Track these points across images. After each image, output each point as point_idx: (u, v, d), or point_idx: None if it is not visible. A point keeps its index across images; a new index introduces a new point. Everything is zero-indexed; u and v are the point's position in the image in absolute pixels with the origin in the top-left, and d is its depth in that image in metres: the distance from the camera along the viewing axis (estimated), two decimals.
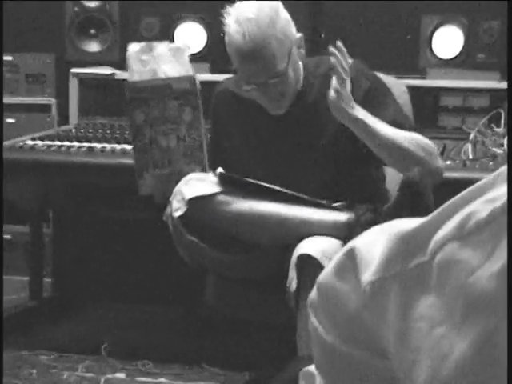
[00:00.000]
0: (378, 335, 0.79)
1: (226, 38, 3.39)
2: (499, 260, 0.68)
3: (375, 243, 0.84)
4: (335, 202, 3.18)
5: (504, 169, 0.76)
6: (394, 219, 0.89)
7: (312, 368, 0.96)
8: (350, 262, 0.85)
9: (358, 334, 0.82)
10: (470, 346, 0.70)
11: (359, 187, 3.27)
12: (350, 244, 0.89)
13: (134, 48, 3.37)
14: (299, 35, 3.38)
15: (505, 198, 0.71)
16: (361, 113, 3.14)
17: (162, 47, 3.41)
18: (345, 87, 3.10)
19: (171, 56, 3.36)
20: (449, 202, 0.78)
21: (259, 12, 3.26)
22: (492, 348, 0.68)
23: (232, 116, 3.46)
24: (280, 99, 3.33)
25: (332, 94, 3.09)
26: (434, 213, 0.78)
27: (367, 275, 0.80)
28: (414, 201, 2.96)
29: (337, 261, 0.90)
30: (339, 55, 3.12)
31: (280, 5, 3.36)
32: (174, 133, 3.28)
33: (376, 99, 3.34)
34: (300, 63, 3.41)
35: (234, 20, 3.30)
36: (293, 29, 3.36)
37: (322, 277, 0.92)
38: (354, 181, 3.25)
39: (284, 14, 3.34)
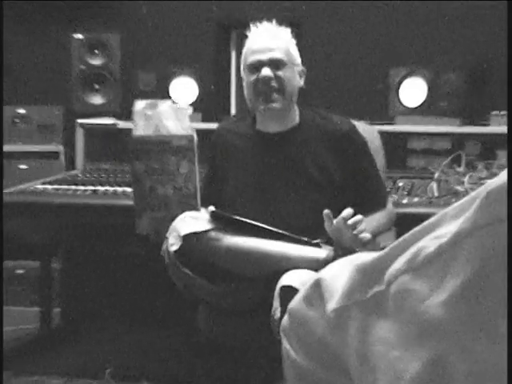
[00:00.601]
0: (342, 357, 0.78)
1: (247, 41, 3.41)
2: (446, 290, 0.67)
3: (339, 275, 0.84)
4: (316, 238, 3.16)
5: (449, 209, 0.75)
6: None
7: None
8: (317, 292, 0.85)
9: (324, 356, 0.81)
10: (422, 367, 0.68)
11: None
12: (317, 275, 0.90)
13: (139, 105, 3.36)
14: (303, 67, 3.41)
15: (450, 234, 0.70)
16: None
17: (165, 105, 3.40)
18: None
19: (173, 114, 3.35)
20: (401, 239, 0.78)
21: (281, 27, 3.39)
22: (443, 368, 0.67)
23: (227, 146, 3.46)
24: (273, 97, 3.28)
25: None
26: (389, 248, 0.78)
27: (331, 303, 0.80)
28: None
29: (305, 290, 0.92)
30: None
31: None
32: (171, 183, 3.27)
33: (362, 159, 3.40)
34: (295, 95, 3.39)
35: (254, 29, 3.40)
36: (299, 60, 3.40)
37: (293, 304, 0.92)
38: (339, 211, 3.23)
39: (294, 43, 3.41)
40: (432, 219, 0.75)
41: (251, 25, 3.42)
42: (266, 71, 3.26)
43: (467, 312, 0.65)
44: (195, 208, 3.28)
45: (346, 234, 3.01)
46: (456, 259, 0.67)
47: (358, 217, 3.01)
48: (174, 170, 3.28)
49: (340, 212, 3.12)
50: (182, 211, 3.22)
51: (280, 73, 3.28)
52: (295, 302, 0.91)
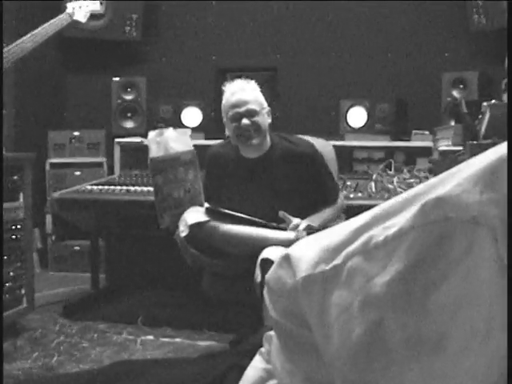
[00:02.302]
0: (306, 315, 0.73)
1: (223, 98, 3.33)
2: (389, 273, 0.64)
3: (305, 250, 0.80)
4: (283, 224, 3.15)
5: (392, 203, 0.71)
6: None
7: (272, 332, 0.89)
8: (287, 263, 0.79)
9: (293, 311, 0.76)
10: (365, 330, 0.66)
11: (304, 213, 3.21)
12: (287, 250, 0.86)
13: (151, 134, 3.34)
14: (269, 108, 3.35)
15: (395, 228, 0.66)
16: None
17: (169, 132, 3.36)
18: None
19: (176, 137, 3.32)
20: (357, 225, 0.73)
21: (247, 81, 3.32)
22: (381, 333, 0.64)
23: (218, 167, 3.39)
24: (252, 139, 3.23)
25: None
26: (348, 231, 0.73)
27: (300, 272, 0.76)
28: None
29: (278, 263, 0.86)
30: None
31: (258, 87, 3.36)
32: (182, 188, 3.24)
33: (322, 172, 3.36)
34: (267, 130, 3.33)
35: (229, 85, 3.32)
36: (266, 103, 3.34)
37: (269, 274, 0.87)
38: (300, 208, 3.19)
39: (260, 92, 3.34)
40: (380, 210, 0.71)
41: (226, 82, 3.38)
42: (245, 121, 3.21)
43: (403, 292, 0.63)
44: (201, 203, 3.26)
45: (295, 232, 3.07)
46: (398, 250, 0.65)
47: (295, 220, 3.08)
48: (184, 177, 3.24)
49: (301, 211, 3.14)
50: (192, 207, 3.21)
51: (255, 119, 3.22)
52: (271, 272, 0.87)
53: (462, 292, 0.59)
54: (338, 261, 0.71)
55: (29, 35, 3.80)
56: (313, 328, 0.73)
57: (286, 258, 0.83)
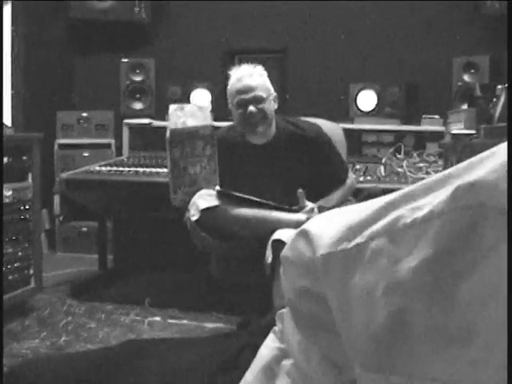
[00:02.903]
0: (325, 293, 0.70)
1: (229, 83, 3.31)
2: (416, 259, 0.60)
3: (324, 227, 0.76)
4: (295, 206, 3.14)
5: (420, 184, 0.68)
6: None
7: (285, 310, 0.87)
8: (305, 239, 0.76)
9: (311, 290, 0.74)
10: (387, 316, 0.62)
11: (313, 195, 3.19)
12: (303, 226, 0.83)
13: (172, 107, 3.27)
14: (276, 95, 3.33)
15: (424, 210, 0.62)
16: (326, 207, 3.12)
17: (190, 106, 3.35)
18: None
19: (197, 112, 3.28)
20: (382, 204, 0.69)
21: (255, 68, 3.28)
22: (404, 320, 0.61)
23: (225, 152, 3.32)
24: (258, 126, 3.23)
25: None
26: (372, 210, 0.70)
27: (320, 249, 0.73)
28: None
29: (294, 237, 0.83)
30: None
31: (265, 72, 3.33)
32: (198, 163, 3.19)
33: (330, 154, 3.35)
34: (273, 116, 3.31)
35: (235, 70, 3.30)
36: (272, 89, 3.31)
37: (285, 249, 0.84)
38: (309, 191, 3.18)
39: (267, 77, 3.31)
40: (408, 190, 0.68)
41: (232, 67, 3.36)
42: (252, 108, 3.19)
43: (430, 280, 0.60)
44: (216, 182, 3.23)
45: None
46: (427, 234, 0.61)
47: (311, 205, 3.10)
48: (201, 152, 3.20)
49: (310, 193, 3.13)
50: (207, 185, 3.18)
51: (261, 106, 3.21)
52: (287, 247, 0.84)
53: (492, 283, 0.56)
54: (361, 239, 0.68)
55: None
56: (332, 308, 0.71)
57: (304, 234, 0.80)
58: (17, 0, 5.03)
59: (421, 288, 0.60)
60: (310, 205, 3.09)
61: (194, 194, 3.14)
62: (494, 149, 0.63)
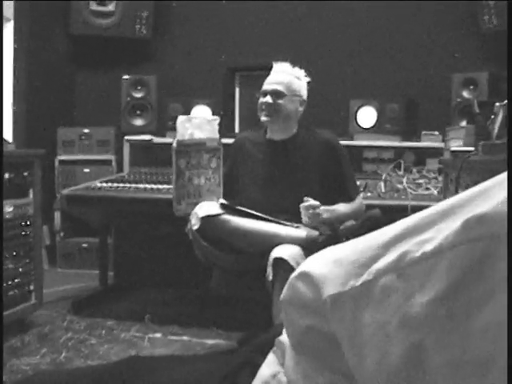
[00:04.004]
0: (335, 332, 0.69)
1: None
2: (429, 293, 0.60)
3: (327, 266, 0.74)
4: (297, 223, 3.16)
5: (424, 214, 0.67)
6: (348, 238, 0.80)
7: (283, 338, 0.85)
8: (307, 280, 0.74)
9: (320, 329, 0.72)
10: (402, 352, 0.61)
11: (322, 200, 3.22)
12: (303, 268, 0.77)
13: (181, 118, 3.32)
14: (305, 100, 3.47)
15: (435, 242, 0.62)
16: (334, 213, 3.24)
17: (199, 118, 3.40)
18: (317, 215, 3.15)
19: (205, 124, 3.32)
20: (389, 237, 0.68)
21: (296, 69, 3.47)
22: (420, 356, 0.60)
23: (243, 150, 3.50)
24: (269, 118, 3.36)
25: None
26: (379, 244, 0.69)
27: (327, 289, 0.70)
28: (370, 230, 2.95)
29: (293, 280, 0.78)
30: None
31: (306, 80, 3.49)
32: (203, 175, 3.23)
33: (343, 163, 3.43)
34: (297, 122, 3.47)
35: (275, 65, 3.47)
36: (304, 93, 3.46)
37: (285, 293, 0.80)
38: (319, 195, 3.22)
39: (305, 80, 3.47)
40: (412, 222, 0.67)
41: (273, 63, 3.50)
42: (267, 99, 3.35)
43: (444, 313, 0.59)
44: (219, 195, 3.29)
45: (307, 213, 3.12)
46: (438, 268, 0.61)
47: (316, 202, 3.12)
48: (207, 164, 3.24)
49: (319, 197, 3.17)
50: (210, 197, 3.22)
51: (278, 101, 3.34)
52: (287, 291, 0.80)
53: (505, 312, 0.56)
54: (368, 276, 0.67)
55: None
56: (343, 346, 0.70)
57: (304, 275, 0.77)
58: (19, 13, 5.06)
59: (435, 322, 0.60)
60: (313, 201, 3.12)
61: (196, 205, 3.17)
62: (499, 178, 0.63)
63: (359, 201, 3.41)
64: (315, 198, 3.16)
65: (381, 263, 0.66)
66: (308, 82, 3.49)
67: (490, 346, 0.57)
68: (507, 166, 0.58)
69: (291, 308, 0.78)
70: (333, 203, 3.26)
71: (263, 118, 3.39)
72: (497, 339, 0.56)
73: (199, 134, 3.27)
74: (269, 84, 3.39)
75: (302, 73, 3.46)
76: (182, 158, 3.21)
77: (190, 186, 3.21)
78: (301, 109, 3.44)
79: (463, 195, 0.64)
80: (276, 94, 3.35)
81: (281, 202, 3.32)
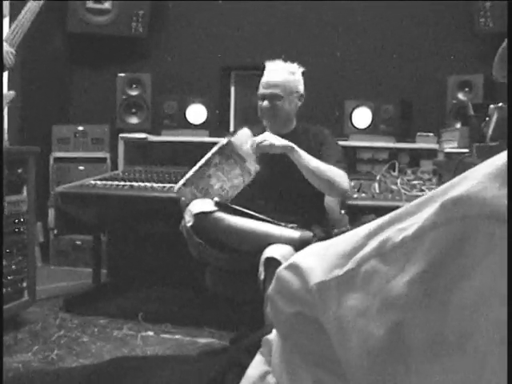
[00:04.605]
0: (321, 318, 0.71)
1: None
2: (407, 274, 0.62)
3: (314, 259, 0.76)
4: (292, 223, 3.17)
5: (408, 206, 0.69)
6: None
7: (270, 336, 0.87)
8: (296, 271, 0.77)
9: (306, 315, 0.74)
10: (385, 332, 0.63)
11: (318, 215, 3.23)
12: (293, 260, 0.80)
13: (247, 131, 3.35)
14: (302, 93, 3.51)
15: (413, 229, 0.64)
16: (301, 155, 3.21)
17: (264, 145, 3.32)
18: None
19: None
20: (372, 227, 0.70)
21: (288, 64, 3.50)
22: (402, 334, 0.62)
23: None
24: (271, 121, 3.42)
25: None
26: (359, 237, 0.70)
27: (313, 279, 0.73)
28: None
29: (282, 271, 0.80)
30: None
31: (300, 71, 3.52)
32: (222, 182, 3.22)
33: (329, 146, 3.45)
34: (292, 112, 3.50)
35: (268, 64, 3.50)
36: (301, 86, 3.50)
37: (273, 286, 0.82)
38: (315, 207, 3.23)
39: (300, 76, 3.50)
40: (394, 214, 0.69)
41: (266, 61, 3.53)
42: (265, 103, 3.40)
43: (423, 292, 0.61)
44: None
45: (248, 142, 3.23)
46: (416, 250, 0.62)
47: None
48: (232, 177, 3.22)
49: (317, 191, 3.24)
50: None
51: (277, 103, 3.40)
52: (273, 285, 0.83)
53: (485, 287, 0.57)
54: (351, 265, 0.69)
55: (20, 16, 3.86)
56: (329, 333, 0.71)
57: (293, 267, 0.79)
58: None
59: (415, 300, 0.62)
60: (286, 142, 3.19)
61: (195, 196, 3.18)
62: (478, 165, 0.64)
63: (343, 172, 3.34)
64: (312, 193, 3.22)
65: (363, 251, 0.68)
66: (302, 73, 3.52)
67: (467, 321, 0.58)
68: (507, 167, 0.59)
69: (279, 297, 0.80)
70: (316, 193, 3.32)
71: (265, 122, 3.44)
72: (473, 315, 0.58)
73: (249, 151, 3.26)
74: (265, 88, 3.41)
75: (295, 66, 3.49)
76: (220, 155, 3.21)
77: (205, 180, 3.21)
78: (299, 103, 3.50)
79: (444, 185, 0.66)
80: (274, 98, 3.39)
81: (279, 195, 3.35)
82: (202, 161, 3.22)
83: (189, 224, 3.06)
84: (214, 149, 3.21)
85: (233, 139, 3.25)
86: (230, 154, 3.19)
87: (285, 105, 3.41)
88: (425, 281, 0.61)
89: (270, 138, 3.21)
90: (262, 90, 3.42)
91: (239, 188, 3.26)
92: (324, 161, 3.29)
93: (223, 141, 3.22)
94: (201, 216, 3.05)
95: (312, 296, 0.73)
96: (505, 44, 0.88)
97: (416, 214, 0.65)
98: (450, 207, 0.61)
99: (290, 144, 3.20)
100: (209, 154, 3.21)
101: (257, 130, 3.50)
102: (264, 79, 3.44)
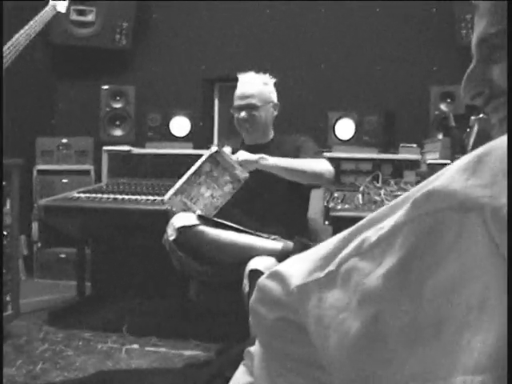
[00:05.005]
0: (302, 320, 0.73)
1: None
2: (384, 267, 0.65)
3: (295, 265, 0.78)
4: (275, 234, 3.17)
5: (385, 207, 0.72)
6: None
7: (252, 348, 0.88)
8: (278, 278, 0.78)
9: (288, 318, 0.76)
10: (361, 325, 0.66)
11: (300, 225, 3.23)
12: (275, 268, 0.81)
13: (244, 152, 3.30)
14: (277, 103, 3.55)
15: (388, 227, 0.66)
16: (272, 160, 3.22)
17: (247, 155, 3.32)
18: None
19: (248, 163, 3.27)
20: (348, 231, 0.73)
21: (261, 75, 3.52)
22: (379, 325, 0.64)
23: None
24: (249, 131, 3.45)
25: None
26: (338, 239, 0.73)
27: (294, 281, 0.74)
28: None
29: (264, 279, 0.81)
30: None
31: (273, 81, 3.57)
32: (213, 190, 3.22)
33: (306, 146, 3.47)
34: (270, 122, 3.54)
35: (241, 76, 3.52)
36: (274, 96, 3.54)
37: (254, 297, 0.84)
38: (297, 219, 3.23)
39: (272, 83, 3.55)
40: (371, 216, 0.72)
41: (238, 74, 3.54)
42: (242, 114, 3.42)
43: (398, 283, 0.64)
44: (210, 214, 3.24)
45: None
46: (393, 245, 0.65)
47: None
48: (222, 185, 3.22)
49: (296, 199, 3.25)
50: (201, 211, 3.18)
51: (253, 113, 3.42)
52: (255, 294, 0.84)
53: (455, 275, 0.60)
54: (332, 267, 0.71)
55: (21, 31, 3.92)
56: (310, 333, 0.73)
57: (275, 274, 0.81)
58: None
59: (390, 291, 0.64)
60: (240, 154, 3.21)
61: (186, 208, 3.19)
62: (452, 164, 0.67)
63: (326, 165, 3.35)
64: (294, 204, 3.26)
65: (343, 253, 0.70)
66: (274, 83, 3.56)
67: (441, 307, 0.61)
68: (507, 166, 0.62)
69: (260, 306, 0.81)
70: (297, 203, 3.32)
71: (244, 134, 3.49)
72: (447, 300, 0.60)
73: (237, 162, 3.24)
74: (241, 99, 3.44)
75: (267, 77, 3.53)
76: (211, 163, 3.22)
77: (195, 188, 3.21)
78: (275, 113, 3.54)
79: (419, 184, 0.68)
80: (250, 108, 3.41)
81: (260, 207, 3.35)
82: (192, 169, 3.22)
83: (171, 238, 3.06)
84: (204, 157, 3.22)
85: (222, 149, 3.26)
86: (219, 161, 3.20)
87: (261, 114, 3.44)
88: (399, 272, 0.64)
89: (242, 156, 3.22)
90: (237, 102, 3.45)
91: (229, 195, 3.26)
92: (302, 158, 3.34)
93: (212, 148, 3.23)
94: (183, 230, 3.06)
95: (293, 298, 0.75)
96: (472, 66, 0.92)
97: (393, 213, 0.68)
98: (421, 203, 0.64)
99: (260, 155, 3.20)
100: (199, 163, 3.22)
101: (235, 143, 3.53)
102: (238, 91, 3.47)
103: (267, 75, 3.54)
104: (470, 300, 0.58)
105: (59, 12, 4.26)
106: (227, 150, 3.30)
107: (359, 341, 0.65)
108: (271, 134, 3.57)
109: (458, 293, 0.60)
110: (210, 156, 3.20)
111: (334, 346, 0.68)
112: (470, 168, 0.62)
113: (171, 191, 3.21)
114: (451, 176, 0.63)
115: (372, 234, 0.68)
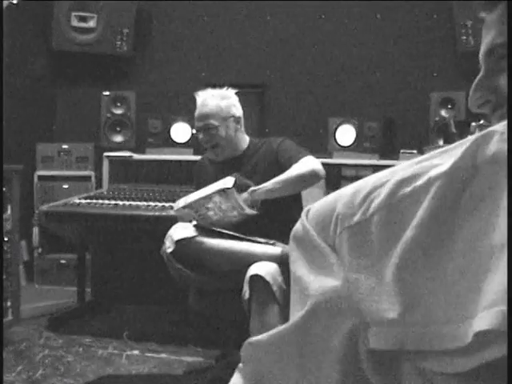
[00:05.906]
0: (334, 259, 0.76)
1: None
2: (417, 218, 0.69)
3: (327, 208, 0.81)
4: (272, 240, 3.16)
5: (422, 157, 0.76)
6: None
7: (253, 339, 0.88)
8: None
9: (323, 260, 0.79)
10: (392, 272, 0.71)
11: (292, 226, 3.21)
12: (308, 208, 0.86)
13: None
14: (239, 115, 3.46)
15: (424, 178, 0.71)
16: (261, 190, 3.16)
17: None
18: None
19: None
20: (379, 175, 0.78)
21: (217, 91, 3.46)
22: (400, 277, 0.69)
23: (203, 170, 3.58)
24: (213, 148, 3.41)
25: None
26: (371, 184, 0.77)
27: (343, 224, 0.77)
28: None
29: (301, 221, 0.86)
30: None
31: (233, 94, 3.48)
32: (218, 216, 3.15)
33: (284, 147, 3.37)
34: (244, 135, 3.49)
35: (198, 96, 3.47)
36: (235, 109, 3.44)
37: (295, 229, 0.87)
38: (283, 222, 3.20)
39: (233, 99, 3.46)
40: (402, 165, 0.78)
41: (195, 94, 3.50)
42: (201, 136, 3.41)
43: (428, 234, 0.68)
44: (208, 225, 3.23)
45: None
46: (425, 198, 0.70)
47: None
48: (228, 218, 3.15)
49: (276, 203, 3.18)
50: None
51: (213, 133, 3.37)
52: (296, 228, 0.88)
53: (482, 225, 0.64)
54: (362, 215, 0.75)
55: None
56: (346, 274, 0.75)
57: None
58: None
59: (421, 242, 0.68)
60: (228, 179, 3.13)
61: (190, 216, 3.19)
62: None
63: (307, 159, 3.28)
64: (288, 206, 3.21)
65: (375, 203, 0.74)
66: (236, 93, 3.50)
67: (465, 257, 0.65)
68: (507, 167, 0.66)
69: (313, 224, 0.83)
70: (290, 204, 3.27)
71: (211, 156, 3.47)
72: (471, 251, 0.64)
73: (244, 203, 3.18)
74: (198, 120, 3.41)
75: (224, 91, 3.47)
76: (221, 197, 3.12)
77: (204, 210, 3.17)
78: (239, 126, 3.46)
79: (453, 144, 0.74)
80: (208, 129, 3.37)
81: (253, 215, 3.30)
82: (203, 193, 3.17)
83: (169, 250, 3.06)
84: (217, 187, 3.14)
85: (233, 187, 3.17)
86: (230, 198, 3.14)
87: (221, 132, 3.38)
88: (428, 225, 0.68)
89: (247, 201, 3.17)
90: (196, 124, 3.43)
91: (228, 226, 3.22)
92: (286, 163, 3.26)
93: (226, 182, 3.14)
94: (182, 242, 3.06)
95: (335, 241, 0.77)
96: (480, 76, 0.95)
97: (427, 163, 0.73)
98: (461, 159, 0.68)
99: (248, 190, 3.15)
100: (211, 190, 3.14)
101: (208, 155, 3.54)
102: (196, 112, 3.43)
103: (225, 89, 3.48)
104: (492, 247, 0.62)
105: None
106: (231, 181, 3.21)
107: (389, 287, 0.69)
108: (244, 145, 3.48)
109: (486, 240, 0.63)
110: (223, 190, 3.15)
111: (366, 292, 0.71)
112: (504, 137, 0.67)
113: (181, 204, 3.20)
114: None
115: (406, 184, 0.71)
